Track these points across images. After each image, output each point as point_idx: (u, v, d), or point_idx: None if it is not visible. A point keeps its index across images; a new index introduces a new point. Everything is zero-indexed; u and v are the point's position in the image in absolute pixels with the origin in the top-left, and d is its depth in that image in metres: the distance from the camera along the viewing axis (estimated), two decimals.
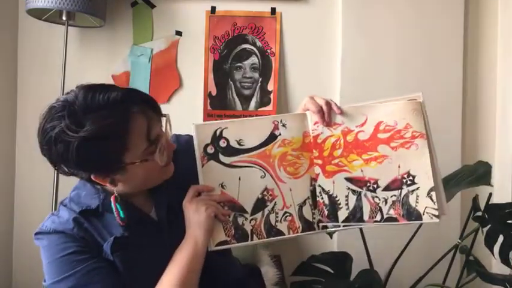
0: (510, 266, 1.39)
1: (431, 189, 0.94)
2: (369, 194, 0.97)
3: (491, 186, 1.40)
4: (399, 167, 0.96)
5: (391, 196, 0.96)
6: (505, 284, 1.32)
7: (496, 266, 1.74)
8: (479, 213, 1.42)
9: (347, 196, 0.98)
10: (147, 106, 0.87)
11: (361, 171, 0.98)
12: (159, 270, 0.88)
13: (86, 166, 0.84)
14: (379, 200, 0.96)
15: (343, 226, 0.98)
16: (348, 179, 0.98)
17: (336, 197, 0.98)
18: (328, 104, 1.00)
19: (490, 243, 1.39)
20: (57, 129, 0.81)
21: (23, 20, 1.90)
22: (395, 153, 0.97)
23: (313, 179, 1.00)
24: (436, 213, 0.93)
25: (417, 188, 0.95)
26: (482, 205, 1.44)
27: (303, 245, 1.89)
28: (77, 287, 0.85)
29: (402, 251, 1.50)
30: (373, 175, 0.97)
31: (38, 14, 1.76)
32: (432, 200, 0.93)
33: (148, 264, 0.91)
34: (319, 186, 0.99)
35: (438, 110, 1.77)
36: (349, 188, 0.98)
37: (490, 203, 1.44)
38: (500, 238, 1.39)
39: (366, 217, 0.96)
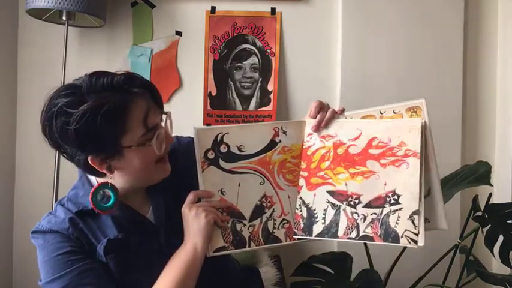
0: (510, 266, 1.39)
1: (414, 212, 0.88)
2: (349, 209, 0.94)
3: (492, 186, 1.40)
4: (385, 184, 0.93)
5: (371, 214, 0.92)
6: (505, 284, 1.32)
7: (496, 266, 1.74)
8: (479, 213, 1.42)
9: (325, 210, 0.96)
10: (149, 93, 0.88)
11: (345, 185, 0.96)
12: (153, 272, 0.88)
13: (84, 144, 0.83)
14: (358, 216, 0.93)
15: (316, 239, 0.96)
16: (330, 192, 0.97)
17: (314, 210, 0.97)
18: (332, 111, 1.00)
19: (490, 243, 1.38)
20: (59, 105, 0.82)
21: (23, 20, 1.90)
22: (384, 170, 0.94)
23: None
24: (416, 238, 0.87)
25: (400, 209, 0.89)
26: (482, 205, 1.44)
27: (302, 245, 1.89)
28: (70, 287, 0.85)
29: (402, 251, 1.50)
30: (356, 190, 0.95)
31: (38, 14, 1.76)
32: (414, 224, 0.87)
33: (142, 267, 0.91)
34: (300, 198, 0.99)
35: (438, 110, 1.77)
36: (329, 202, 0.96)
37: (490, 203, 1.44)
38: (500, 238, 1.39)
39: (340, 233, 0.94)
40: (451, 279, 1.52)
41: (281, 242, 0.97)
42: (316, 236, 0.95)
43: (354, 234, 0.93)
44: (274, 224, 0.97)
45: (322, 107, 1.01)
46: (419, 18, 1.91)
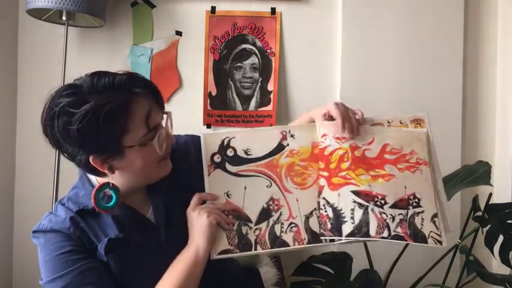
0: (510, 266, 1.39)
1: (434, 215, 0.94)
2: (377, 209, 0.94)
3: (491, 186, 1.40)
4: (405, 187, 0.96)
5: (398, 214, 0.94)
6: (505, 284, 1.32)
7: (496, 266, 1.74)
8: (479, 213, 1.42)
9: (353, 209, 0.95)
10: (150, 93, 0.88)
11: (369, 185, 0.96)
12: (154, 272, 0.88)
13: (86, 143, 0.83)
14: (387, 216, 0.93)
15: (347, 241, 0.94)
16: (355, 192, 0.96)
17: (341, 210, 0.95)
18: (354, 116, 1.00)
19: (490, 243, 1.38)
20: (61, 105, 0.82)
21: (23, 20, 1.90)
22: (402, 174, 0.97)
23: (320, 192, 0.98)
24: (440, 239, 0.92)
25: (422, 211, 0.94)
26: (482, 205, 1.44)
27: None
28: (71, 286, 0.85)
29: (402, 251, 1.50)
30: (381, 191, 0.96)
31: (38, 14, 1.76)
32: (436, 226, 0.93)
33: (143, 266, 0.90)
34: (324, 198, 0.97)
35: (438, 110, 1.78)
36: (355, 202, 0.95)
37: (490, 203, 1.44)
38: (500, 238, 1.39)
39: (372, 232, 0.93)
40: (451, 279, 1.52)
41: (289, 246, 0.95)
42: (346, 236, 0.93)
43: (386, 233, 0.93)
44: (282, 227, 0.95)
45: (345, 116, 0.99)
46: (419, 18, 1.91)
